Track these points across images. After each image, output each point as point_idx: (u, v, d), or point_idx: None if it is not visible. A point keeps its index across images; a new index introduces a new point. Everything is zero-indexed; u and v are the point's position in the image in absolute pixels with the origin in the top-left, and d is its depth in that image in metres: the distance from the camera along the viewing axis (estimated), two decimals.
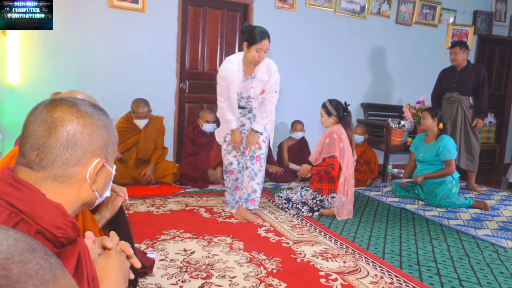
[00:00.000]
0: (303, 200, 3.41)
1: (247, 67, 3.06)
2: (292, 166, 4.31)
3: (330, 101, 3.47)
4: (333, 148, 3.35)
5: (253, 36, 2.94)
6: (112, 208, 1.51)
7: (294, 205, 3.41)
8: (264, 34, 2.94)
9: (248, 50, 2.97)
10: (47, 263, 0.48)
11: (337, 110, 3.43)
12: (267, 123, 3.22)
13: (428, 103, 5.08)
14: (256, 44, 2.92)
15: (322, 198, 3.40)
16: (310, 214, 3.39)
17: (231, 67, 3.03)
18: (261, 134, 3.20)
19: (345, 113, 3.45)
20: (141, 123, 4.03)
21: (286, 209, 3.42)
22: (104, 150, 0.90)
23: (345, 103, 3.47)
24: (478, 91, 4.54)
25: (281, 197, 3.45)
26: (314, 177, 3.51)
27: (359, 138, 4.66)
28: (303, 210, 3.40)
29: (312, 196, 3.41)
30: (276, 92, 3.15)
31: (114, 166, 0.95)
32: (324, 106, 3.48)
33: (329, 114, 3.44)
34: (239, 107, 3.17)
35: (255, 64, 3.02)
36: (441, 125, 4.06)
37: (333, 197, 3.39)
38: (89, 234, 0.95)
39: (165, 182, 4.12)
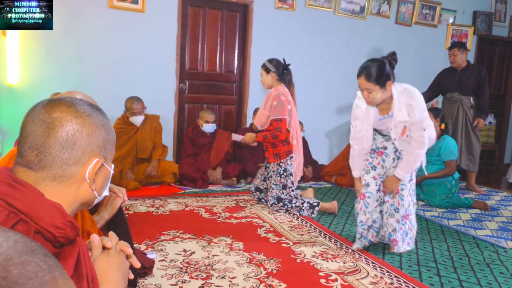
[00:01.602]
0: (281, 185, 3.39)
1: (381, 103, 2.47)
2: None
3: (270, 60, 3.49)
4: (281, 111, 3.34)
5: None
6: (111, 209, 1.51)
7: (294, 205, 3.40)
8: (359, 71, 2.42)
9: None
10: (46, 265, 0.48)
11: (277, 68, 3.43)
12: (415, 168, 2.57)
13: (428, 103, 5.08)
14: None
15: (286, 167, 3.39)
16: (311, 210, 3.38)
17: (361, 104, 2.51)
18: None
19: (285, 71, 3.45)
20: (137, 120, 4.02)
21: (287, 211, 3.42)
22: (103, 150, 0.90)
23: (284, 60, 3.47)
24: (479, 91, 4.54)
25: (275, 203, 3.43)
26: (265, 145, 3.49)
27: None
28: (303, 208, 3.39)
29: (279, 174, 3.40)
30: (423, 129, 2.41)
31: (112, 166, 0.96)
32: (263, 65, 3.49)
33: (267, 71, 3.44)
34: (381, 134, 2.62)
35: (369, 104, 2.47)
36: (443, 126, 4.07)
37: (291, 157, 3.41)
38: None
39: (165, 182, 4.12)
